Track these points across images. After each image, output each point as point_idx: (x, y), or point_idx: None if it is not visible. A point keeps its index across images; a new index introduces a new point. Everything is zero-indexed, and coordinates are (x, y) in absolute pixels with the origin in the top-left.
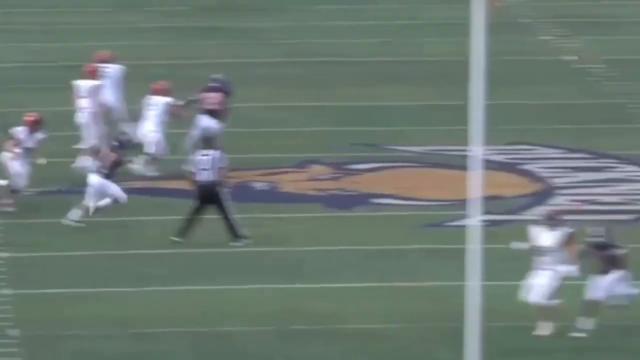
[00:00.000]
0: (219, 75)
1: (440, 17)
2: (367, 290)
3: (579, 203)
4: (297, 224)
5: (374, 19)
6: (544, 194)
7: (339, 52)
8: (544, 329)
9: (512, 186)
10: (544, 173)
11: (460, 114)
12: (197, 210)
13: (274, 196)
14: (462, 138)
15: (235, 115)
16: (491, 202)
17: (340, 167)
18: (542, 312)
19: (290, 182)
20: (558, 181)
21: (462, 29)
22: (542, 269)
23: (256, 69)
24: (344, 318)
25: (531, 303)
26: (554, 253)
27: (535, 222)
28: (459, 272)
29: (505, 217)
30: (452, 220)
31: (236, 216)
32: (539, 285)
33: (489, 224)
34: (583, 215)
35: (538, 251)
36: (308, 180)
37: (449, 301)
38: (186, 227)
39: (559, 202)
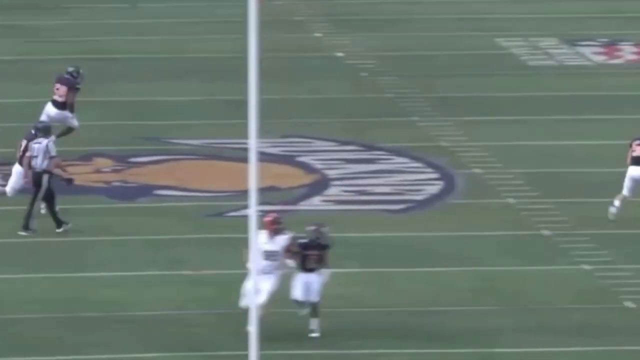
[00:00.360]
0: (72, 68)
1: (220, 15)
2: (152, 278)
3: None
4: (84, 214)
5: (155, 17)
6: (319, 185)
7: (120, 49)
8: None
9: (289, 177)
10: (319, 165)
11: (239, 108)
12: (46, 199)
13: (59, 188)
14: (241, 131)
15: (23, 110)
16: (268, 192)
17: (123, 160)
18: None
19: (76, 174)
20: (332, 172)
21: (240, 26)
22: (264, 273)
23: (43, 66)
24: (130, 305)
25: (246, 306)
26: (276, 257)
27: (260, 228)
28: (240, 260)
29: (283, 207)
30: (232, 211)
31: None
32: (259, 288)
33: (267, 214)
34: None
35: (263, 255)
36: (93, 172)
37: (231, 288)
38: (55, 216)
39: (333, 192)
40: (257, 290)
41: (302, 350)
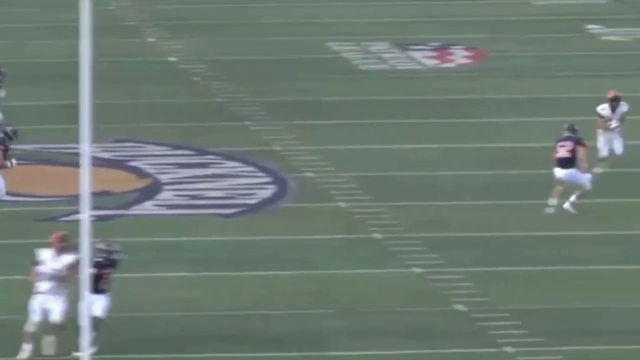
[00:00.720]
0: None
1: (56, 20)
2: None
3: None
4: None
5: None
6: (151, 189)
7: None
8: (26, 352)
9: (121, 182)
10: (151, 169)
11: (73, 112)
12: None
13: None
14: (73, 136)
15: None
16: (100, 197)
17: None
18: (36, 333)
19: None
20: (164, 177)
21: (76, 31)
22: (51, 293)
23: None
24: None
25: (34, 325)
26: (61, 276)
27: (46, 245)
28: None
29: (115, 212)
30: (64, 216)
31: None
32: (45, 308)
33: (99, 218)
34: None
35: (47, 274)
36: None
37: None
38: None
39: (166, 196)
40: (47, 310)
41: (135, 355)
